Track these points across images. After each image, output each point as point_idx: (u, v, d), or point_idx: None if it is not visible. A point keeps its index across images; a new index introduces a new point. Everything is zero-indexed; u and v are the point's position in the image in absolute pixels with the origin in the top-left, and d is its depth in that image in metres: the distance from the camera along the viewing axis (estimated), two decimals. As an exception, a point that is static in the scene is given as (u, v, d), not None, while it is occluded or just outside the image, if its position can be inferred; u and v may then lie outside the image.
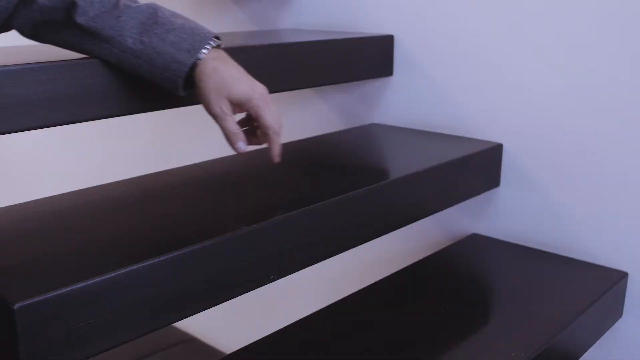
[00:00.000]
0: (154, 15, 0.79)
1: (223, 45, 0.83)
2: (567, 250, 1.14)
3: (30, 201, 0.84)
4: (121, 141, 1.96)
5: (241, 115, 0.85)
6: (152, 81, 0.81)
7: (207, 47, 0.79)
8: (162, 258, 0.67)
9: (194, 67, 0.79)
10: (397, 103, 1.30)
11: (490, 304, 1.02)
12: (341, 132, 1.28)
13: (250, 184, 0.93)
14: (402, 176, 0.97)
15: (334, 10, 1.36)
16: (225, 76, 0.79)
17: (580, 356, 1.00)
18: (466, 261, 1.15)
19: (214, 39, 0.80)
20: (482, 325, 0.93)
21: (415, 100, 1.27)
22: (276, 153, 0.82)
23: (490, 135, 1.19)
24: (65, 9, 0.77)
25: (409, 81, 1.28)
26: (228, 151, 1.11)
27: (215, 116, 0.80)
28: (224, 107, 0.79)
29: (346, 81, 1.27)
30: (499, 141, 1.18)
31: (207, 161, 1.04)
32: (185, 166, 1.00)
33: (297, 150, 1.13)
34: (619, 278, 1.07)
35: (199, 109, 0.82)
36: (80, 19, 0.77)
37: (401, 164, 1.00)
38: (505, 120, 1.17)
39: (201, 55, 0.79)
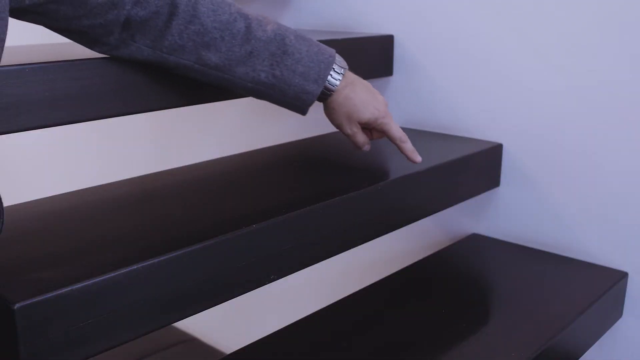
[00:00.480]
0: (282, 45, 0.83)
1: (347, 67, 0.90)
2: (567, 250, 1.14)
3: (30, 201, 0.84)
4: (121, 141, 1.96)
5: None
6: (277, 105, 0.88)
7: (337, 74, 0.87)
8: (162, 258, 0.67)
9: (323, 94, 0.88)
10: (397, 103, 1.30)
11: (490, 304, 1.02)
12: (341, 132, 1.28)
13: (250, 184, 0.93)
14: (402, 176, 0.97)
15: (334, 10, 1.36)
16: (356, 103, 0.90)
17: (580, 356, 1.00)
18: (466, 261, 1.15)
19: (338, 65, 0.88)
20: (482, 325, 0.93)
21: (415, 100, 1.27)
22: (413, 155, 0.94)
23: (490, 135, 1.19)
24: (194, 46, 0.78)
25: (409, 81, 1.28)
26: (228, 151, 1.11)
27: (348, 136, 0.93)
28: (354, 129, 0.92)
29: (346, 81, 1.26)
30: (499, 141, 1.18)
31: (207, 161, 1.04)
32: (185, 166, 1.00)
33: (297, 150, 1.13)
34: (619, 278, 1.07)
35: (199, 108, 0.83)
36: (214, 57, 0.79)
37: (401, 164, 1.00)
38: (505, 120, 1.17)
39: (333, 86, 0.87)
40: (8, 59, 0.77)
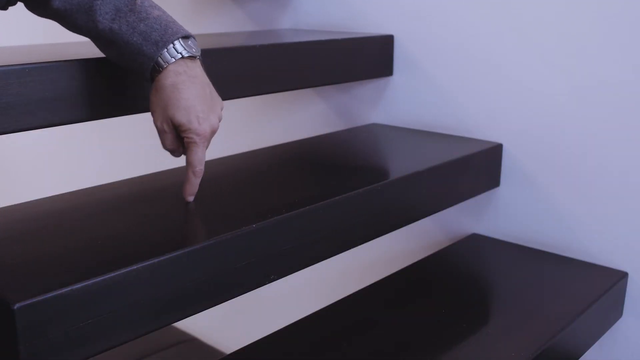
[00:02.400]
0: (131, 3, 0.75)
1: (198, 55, 0.77)
2: (567, 250, 1.14)
3: (30, 201, 0.84)
4: (121, 141, 1.96)
5: None
6: (121, 66, 0.78)
7: (180, 50, 0.75)
8: (162, 258, 0.67)
9: (158, 67, 0.75)
10: (397, 103, 1.30)
11: (490, 304, 1.02)
12: (341, 132, 1.28)
13: (251, 184, 0.93)
14: (402, 176, 0.97)
15: (334, 10, 1.36)
16: (179, 99, 0.74)
17: (580, 356, 1.00)
18: (466, 261, 1.15)
19: (188, 45, 0.76)
20: (482, 325, 0.93)
21: (415, 100, 1.27)
22: (188, 192, 0.81)
23: (490, 135, 1.19)
24: None
25: (409, 81, 1.28)
26: (228, 151, 1.11)
27: (156, 127, 0.78)
28: (165, 127, 0.77)
29: (346, 81, 1.26)
30: (499, 141, 1.18)
31: (207, 161, 1.03)
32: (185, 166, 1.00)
33: (297, 150, 1.13)
34: (619, 278, 1.07)
35: (199, 109, 0.82)
36: (56, 2, 0.74)
37: (401, 164, 1.00)
38: (505, 120, 1.17)
39: (164, 62, 0.74)
40: (8, 58, 0.77)
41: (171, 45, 0.74)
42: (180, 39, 0.75)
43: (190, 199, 0.81)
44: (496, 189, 1.21)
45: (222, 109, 0.81)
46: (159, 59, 0.74)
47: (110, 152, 2.02)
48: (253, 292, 0.78)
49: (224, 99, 0.96)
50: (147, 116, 1.02)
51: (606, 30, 1.04)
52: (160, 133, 0.78)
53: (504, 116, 1.17)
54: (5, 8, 0.78)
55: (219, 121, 0.79)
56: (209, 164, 1.03)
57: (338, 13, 1.35)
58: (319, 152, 1.13)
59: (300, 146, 1.15)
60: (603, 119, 1.06)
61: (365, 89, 1.35)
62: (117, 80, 0.81)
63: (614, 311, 1.08)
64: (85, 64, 0.79)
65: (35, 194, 0.91)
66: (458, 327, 0.91)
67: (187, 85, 0.75)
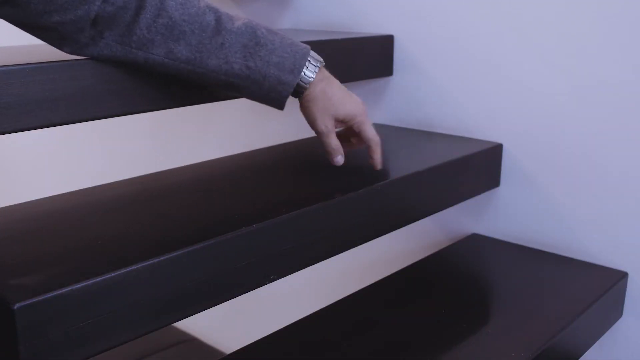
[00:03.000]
0: (254, 36, 0.81)
1: (323, 63, 0.87)
2: (567, 250, 1.14)
3: (30, 201, 0.84)
4: (121, 141, 1.96)
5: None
6: (253, 100, 0.85)
7: (313, 66, 0.84)
8: (162, 258, 0.67)
9: (299, 87, 0.84)
10: (397, 103, 1.30)
11: (490, 304, 1.02)
12: (341, 132, 1.28)
13: (250, 184, 0.93)
14: (402, 176, 0.97)
15: (334, 10, 1.36)
16: (333, 97, 0.87)
17: (580, 356, 1.00)
18: (466, 261, 1.15)
19: (314, 59, 0.85)
20: (482, 325, 0.93)
21: (415, 100, 1.27)
22: (379, 161, 0.93)
23: (490, 135, 1.19)
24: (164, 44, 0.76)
25: (409, 81, 1.28)
26: (228, 151, 1.11)
27: (319, 133, 0.89)
28: (329, 125, 0.88)
29: (346, 81, 1.26)
30: (499, 141, 1.18)
31: (207, 161, 1.04)
32: (185, 166, 1.00)
33: (297, 151, 1.13)
34: (619, 278, 1.07)
35: (199, 109, 0.83)
36: (185, 50, 0.77)
37: (401, 164, 1.00)
38: (505, 120, 1.17)
39: (309, 78, 0.84)
40: (8, 58, 0.77)
41: (305, 71, 0.84)
42: (309, 58, 0.84)
43: (380, 167, 0.93)
44: (496, 189, 1.21)
45: None
46: (300, 82, 0.84)
47: (110, 152, 2.02)
48: (253, 292, 0.78)
49: (224, 99, 0.96)
50: (147, 116, 1.02)
51: (606, 30, 1.04)
52: (325, 136, 0.89)
53: (504, 116, 1.17)
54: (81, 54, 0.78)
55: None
56: (209, 164, 1.03)
57: (338, 13, 1.35)
58: (319, 152, 1.13)
59: (300, 146, 1.15)
60: (603, 119, 1.06)
61: (365, 89, 1.35)
62: (117, 81, 0.81)
63: (614, 311, 1.08)
64: (85, 64, 0.79)
65: (35, 194, 0.91)
66: (458, 327, 0.91)
67: (331, 86, 0.88)
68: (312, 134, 1.17)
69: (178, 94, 0.88)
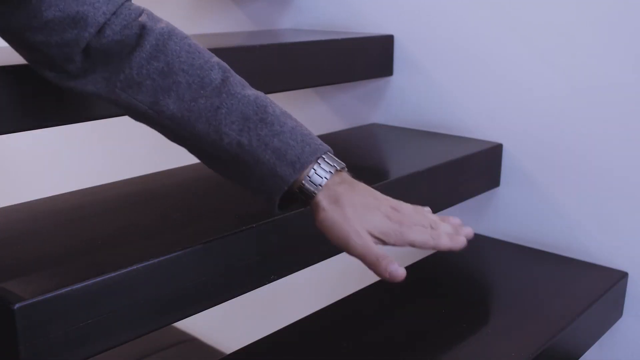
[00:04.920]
0: (262, 111, 0.64)
1: (345, 168, 0.68)
2: (567, 250, 1.14)
3: (30, 201, 0.84)
4: (121, 141, 1.96)
5: None
6: (240, 185, 0.69)
7: (328, 167, 0.65)
8: (162, 258, 0.67)
9: (306, 192, 0.65)
10: (397, 103, 1.30)
11: (490, 304, 1.02)
12: (341, 132, 1.28)
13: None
14: (402, 176, 0.97)
15: (334, 10, 1.36)
16: (355, 205, 0.65)
17: (580, 356, 1.00)
18: (466, 261, 1.15)
19: (331, 161, 0.66)
20: (482, 325, 0.93)
21: (415, 100, 1.27)
22: (450, 247, 0.70)
23: (490, 135, 1.19)
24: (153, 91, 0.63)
25: (409, 81, 1.28)
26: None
27: (357, 248, 0.64)
28: (362, 234, 0.64)
29: (346, 81, 1.27)
30: (499, 141, 1.18)
31: (207, 161, 1.03)
32: (185, 166, 1.00)
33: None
34: (619, 278, 1.07)
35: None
36: (173, 105, 0.63)
37: (401, 164, 1.00)
38: (505, 120, 1.17)
39: (321, 179, 0.64)
40: (8, 58, 0.77)
41: (313, 165, 0.64)
42: (323, 156, 0.66)
43: (464, 241, 0.72)
44: (496, 189, 1.21)
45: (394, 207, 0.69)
46: (304, 182, 0.64)
47: (110, 152, 2.02)
48: (253, 292, 0.78)
49: (224, 99, 0.96)
50: (147, 116, 1.01)
51: (606, 31, 1.04)
52: (366, 248, 0.64)
53: (504, 116, 1.17)
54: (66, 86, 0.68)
55: (392, 206, 0.68)
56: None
57: (338, 13, 1.35)
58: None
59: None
60: (603, 119, 1.06)
61: (366, 89, 1.35)
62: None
63: (614, 311, 1.08)
64: (85, 64, 0.78)
65: (35, 194, 0.91)
66: (458, 327, 0.91)
67: (355, 190, 0.66)
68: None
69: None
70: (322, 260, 0.86)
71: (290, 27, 1.45)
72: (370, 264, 0.63)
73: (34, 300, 0.57)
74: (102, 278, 0.62)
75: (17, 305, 0.56)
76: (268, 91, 1.07)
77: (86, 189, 0.89)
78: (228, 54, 0.82)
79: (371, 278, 1.09)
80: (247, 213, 0.80)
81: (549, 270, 1.09)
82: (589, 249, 1.12)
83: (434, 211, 1.08)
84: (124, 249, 0.69)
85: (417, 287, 1.06)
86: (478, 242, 1.23)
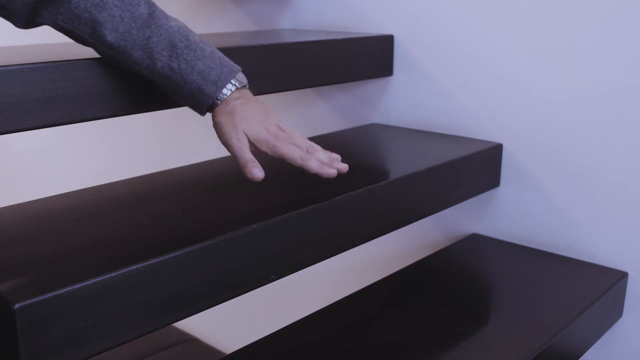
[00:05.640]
0: (185, 39, 0.78)
1: (248, 85, 0.83)
2: (567, 250, 1.14)
3: (30, 201, 0.84)
4: (122, 141, 1.96)
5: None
6: (175, 99, 0.82)
7: (233, 83, 0.80)
8: (162, 258, 0.67)
9: (216, 102, 0.80)
10: (397, 103, 1.30)
11: (490, 304, 1.02)
12: (341, 132, 1.28)
13: (250, 184, 0.93)
14: (402, 176, 0.97)
15: (334, 10, 1.36)
16: (246, 114, 0.80)
17: (580, 356, 1.00)
18: (466, 261, 1.15)
19: (240, 76, 0.81)
20: (482, 325, 0.93)
21: (415, 100, 1.27)
22: (322, 171, 0.82)
23: (490, 135, 1.19)
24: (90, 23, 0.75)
25: (409, 81, 1.28)
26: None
27: (231, 147, 0.79)
28: (242, 139, 0.79)
29: (346, 81, 1.26)
30: (499, 141, 1.18)
31: (207, 161, 1.04)
32: (185, 166, 1.00)
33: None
34: (619, 278, 1.07)
35: (199, 109, 0.82)
36: (110, 36, 0.75)
37: (401, 164, 1.00)
38: (505, 120, 1.17)
39: (224, 95, 0.79)
40: (8, 58, 0.77)
41: (227, 85, 0.79)
42: (237, 76, 0.80)
43: (333, 171, 0.83)
44: (496, 189, 1.21)
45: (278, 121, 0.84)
46: (219, 94, 0.79)
47: (110, 152, 2.02)
48: (253, 292, 0.78)
49: (224, 99, 0.96)
50: (147, 116, 1.02)
51: (606, 31, 1.04)
52: (239, 150, 0.79)
53: (504, 116, 1.17)
54: (27, 27, 0.78)
55: (279, 125, 0.83)
56: (209, 164, 1.03)
57: (338, 13, 1.35)
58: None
59: (300, 146, 1.15)
60: (603, 119, 1.06)
61: (365, 89, 1.35)
62: (117, 80, 0.81)
63: (614, 311, 1.08)
64: (85, 64, 0.79)
65: (35, 194, 0.91)
66: (458, 327, 0.91)
67: (245, 103, 0.80)
68: (312, 133, 1.17)
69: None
70: (322, 260, 0.86)
71: (290, 27, 1.45)
72: (240, 164, 0.79)
73: (34, 300, 0.57)
74: (102, 278, 0.62)
75: (17, 305, 0.56)
76: (268, 91, 1.08)
77: (86, 189, 0.89)
78: (228, 54, 0.82)
79: (371, 278, 1.09)
80: (247, 213, 0.80)
81: (549, 270, 1.09)
82: (589, 249, 1.12)
83: (434, 211, 1.09)
84: (124, 249, 0.69)
85: (417, 287, 1.06)
86: (478, 242, 1.23)
